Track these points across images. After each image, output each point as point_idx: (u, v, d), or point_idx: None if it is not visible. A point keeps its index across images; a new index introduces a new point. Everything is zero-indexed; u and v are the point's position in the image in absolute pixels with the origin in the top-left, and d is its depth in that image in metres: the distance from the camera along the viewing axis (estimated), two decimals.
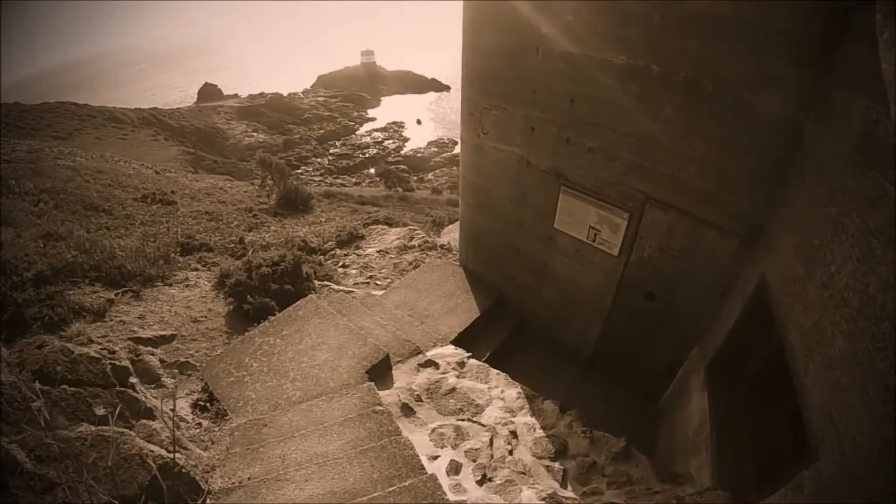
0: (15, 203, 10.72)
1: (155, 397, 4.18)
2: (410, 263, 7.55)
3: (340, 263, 8.00)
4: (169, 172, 22.80)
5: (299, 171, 42.02)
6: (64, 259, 5.51)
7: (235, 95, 71.02)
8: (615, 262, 4.32)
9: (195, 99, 71.65)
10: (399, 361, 4.32)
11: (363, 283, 7.02)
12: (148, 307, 5.20)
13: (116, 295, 5.27)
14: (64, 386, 3.00)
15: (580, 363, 5.36)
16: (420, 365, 4.32)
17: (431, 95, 78.32)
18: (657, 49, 3.10)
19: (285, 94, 66.65)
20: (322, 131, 55.46)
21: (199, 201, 14.84)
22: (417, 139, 56.04)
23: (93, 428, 2.66)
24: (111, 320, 4.91)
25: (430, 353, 4.49)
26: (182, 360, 4.51)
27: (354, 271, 7.51)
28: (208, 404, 3.99)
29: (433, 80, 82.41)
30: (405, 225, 11.63)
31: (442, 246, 8.47)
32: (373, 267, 7.63)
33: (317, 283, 6.34)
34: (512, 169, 4.69)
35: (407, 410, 3.85)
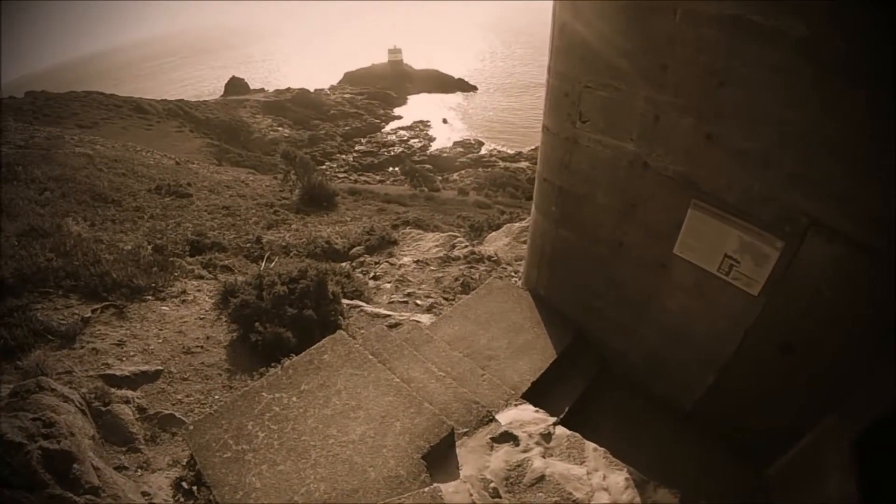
0: (17, 191, 9.88)
1: (125, 467, 3.02)
2: (456, 279, 6.30)
3: (371, 274, 6.81)
4: (191, 164, 22.15)
5: (323, 167, 41.50)
6: (35, 264, 4.41)
7: (262, 90, 70.96)
8: (750, 302, 3.05)
9: (222, 92, 71.87)
10: (464, 434, 3.07)
11: (400, 302, 5.79)
12: (131, 329, 4.04)
13: (94, 311, 4.13)
14: None
15: (670, 418, 4.13)
16: (493, 439, 3.07)
17: (458, 95, 77.71)
18: (850, 21, 1.97)
19: (312, 90, 66.53)
20: (347, 128, 55.18)
21: (217, 194, 13.90)
22: (443, 139, 55.47)
23: None
24: (82, 347, 3.76)
25: (503, 420, 3.22)
26: (166, 411, 3.33)
27: (388, 286, 6.30)
28: (195, 488, 2.80)
29: (460, 79, 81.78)
30: (439, 229, 10.43)
31: (490, 258, 7.21)
32: (410, 281, 6.41)
33: (345, 302, 5.15)
34: (620, 171, 3.41)
35: None
